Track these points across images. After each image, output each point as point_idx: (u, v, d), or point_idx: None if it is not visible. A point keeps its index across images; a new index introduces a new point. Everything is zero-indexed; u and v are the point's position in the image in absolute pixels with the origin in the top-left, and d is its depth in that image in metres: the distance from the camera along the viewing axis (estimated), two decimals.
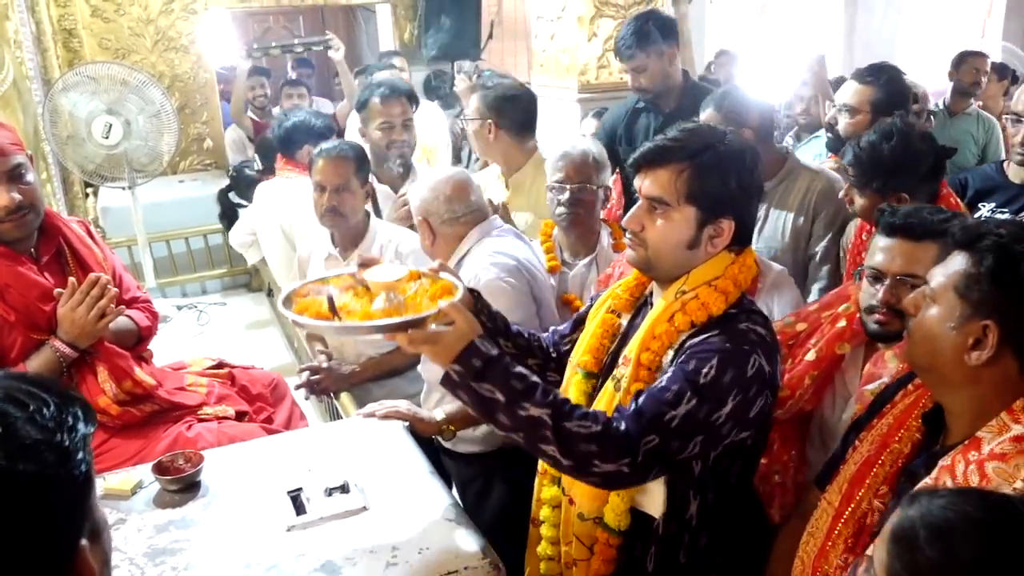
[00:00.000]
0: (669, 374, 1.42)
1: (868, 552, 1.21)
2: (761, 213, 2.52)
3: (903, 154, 2.10)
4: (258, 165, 4.31)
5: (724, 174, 1.46)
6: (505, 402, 1.38)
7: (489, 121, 2.90)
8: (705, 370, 1.38)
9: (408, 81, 4.29)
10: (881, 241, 1.68)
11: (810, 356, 1.82)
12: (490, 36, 6.27)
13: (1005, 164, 2.56)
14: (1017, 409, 1.17)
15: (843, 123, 2.75)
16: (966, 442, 1.19)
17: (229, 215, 4.60)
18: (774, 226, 2.54)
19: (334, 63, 5.15)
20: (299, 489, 1.82)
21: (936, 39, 7.51)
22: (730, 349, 1.41)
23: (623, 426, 1.38)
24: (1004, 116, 2.42)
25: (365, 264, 1.64)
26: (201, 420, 2.30)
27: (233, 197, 4.65)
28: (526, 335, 1.80)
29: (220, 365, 2.59)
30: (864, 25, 8.26)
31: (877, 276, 1.67)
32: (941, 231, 1.57)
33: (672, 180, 1.46)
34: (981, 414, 1.20)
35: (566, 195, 2.38)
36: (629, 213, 1.53)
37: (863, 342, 1.81)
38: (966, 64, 4.58)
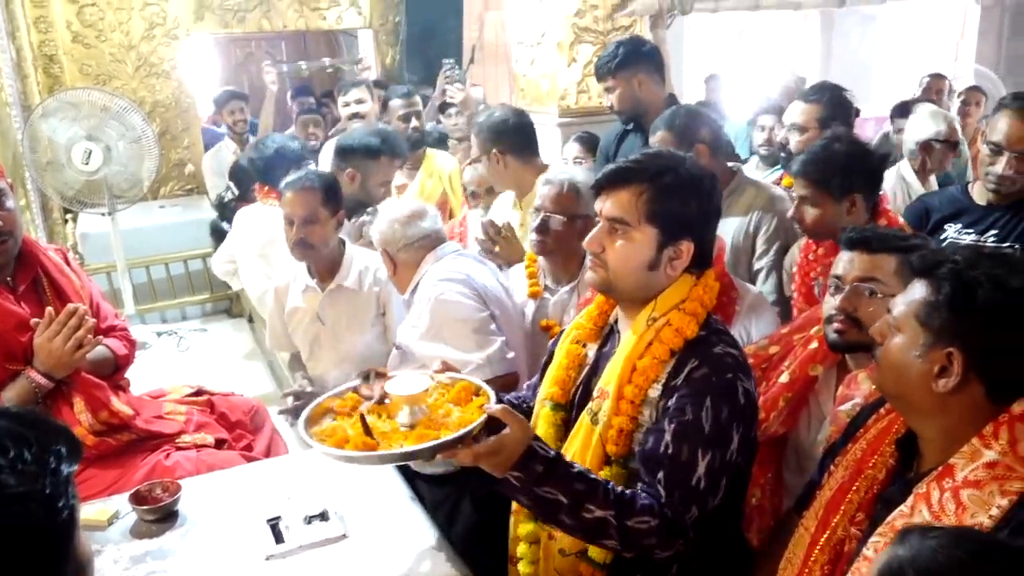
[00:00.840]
0: (669, 434, 1.41)
1: None
2: None
3: (853, 152, 2.24)
4: (233, 192, 4.24)
5: (684, 196, 1.49)
6: (569, 505, 1.37)
7: (494, 152, 2.94)
8: (703, 415, 1.41)
9: (375, 107, 4.32)
10: (844, 255, 1.76)
11: (783, 378, 1.85)
12: (471, 61, 6.33)
13: (970, 186, 2.60)
14: (988, 434, 1.17)
15: (794, 141, 2.98)
16: (940, 469, 1.19)
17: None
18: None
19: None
20: (278, 517, 1.81)
21: (911, 62, 7.64)
22: (716, 383, 1.43)
23: (668, 513, 1.40)
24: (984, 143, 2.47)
25: (368, 377, 1.62)
26: (179, 448, 2.28)
27: (226, 226, 4.59)
28: (516, 401, 1.79)
29: (199, 392, 2.57)
30: (840, 49, 8.41)
31: (838, 286, 1.74)
32: (898, 247, 1.66)
33: (633, 201, 1.49)
34: (953, 440, 1.20)
35: (536, 222, 2.41)
36: (589, 235, 1.55)
37: (836, 363, 1.84)
38: (924, 85, 5.05)
